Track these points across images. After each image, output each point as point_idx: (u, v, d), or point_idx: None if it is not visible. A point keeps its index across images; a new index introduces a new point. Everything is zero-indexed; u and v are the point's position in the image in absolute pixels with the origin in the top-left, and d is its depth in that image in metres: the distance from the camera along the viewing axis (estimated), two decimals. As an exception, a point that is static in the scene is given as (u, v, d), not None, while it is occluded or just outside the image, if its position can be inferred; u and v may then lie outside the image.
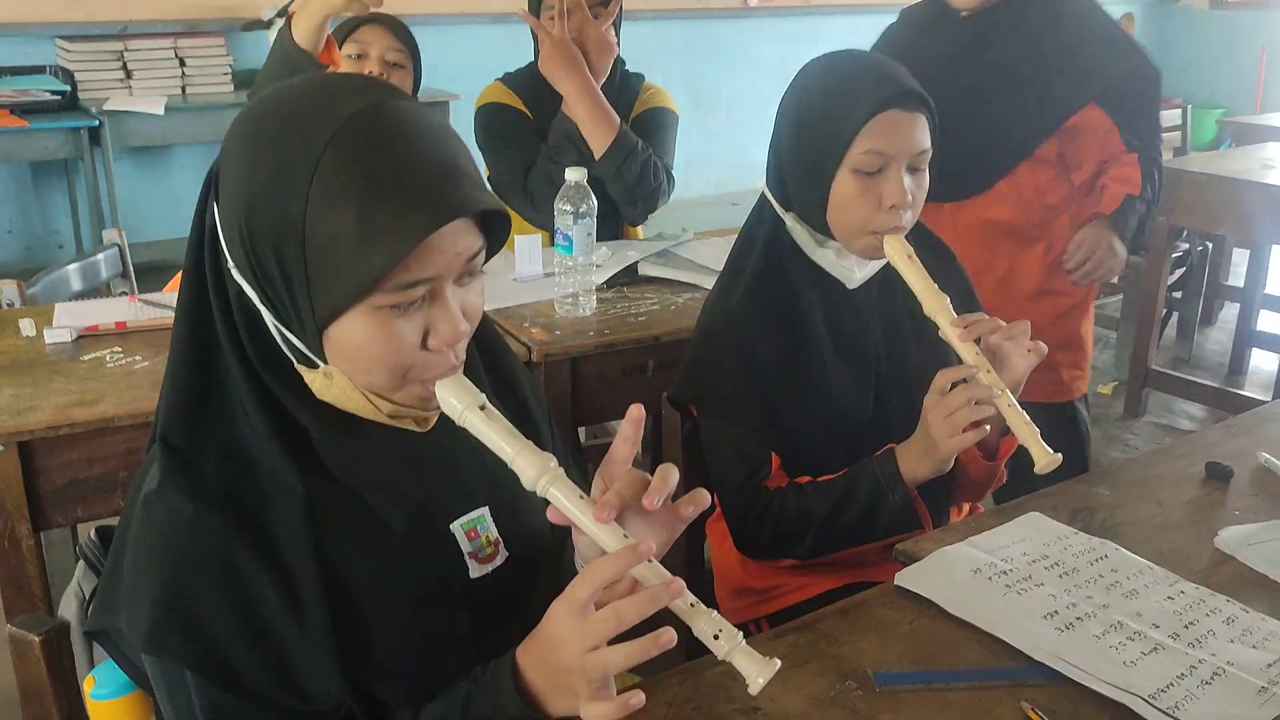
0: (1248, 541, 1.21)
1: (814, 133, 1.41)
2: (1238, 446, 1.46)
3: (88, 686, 1.05)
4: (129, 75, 4.41)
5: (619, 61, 2.37)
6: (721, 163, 6.78)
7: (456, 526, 1.02)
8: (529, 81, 2.35)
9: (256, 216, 0.86)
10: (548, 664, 0.89)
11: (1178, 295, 4.20)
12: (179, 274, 0.99)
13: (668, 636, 0.84)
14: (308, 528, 0.91)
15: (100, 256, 2.22)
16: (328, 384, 0.93)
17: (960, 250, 1.66)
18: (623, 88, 2.39)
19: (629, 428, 0.95)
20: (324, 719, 0.94)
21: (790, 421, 1.45)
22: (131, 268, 2.29)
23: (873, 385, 1.49)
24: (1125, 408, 3.73)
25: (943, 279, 1.43)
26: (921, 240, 1.50)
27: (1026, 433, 1.27)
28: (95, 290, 2.19)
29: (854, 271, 1.46)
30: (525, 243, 2.13)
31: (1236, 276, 4.44)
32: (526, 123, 2.32)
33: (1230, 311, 4.43)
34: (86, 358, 1.71)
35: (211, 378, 0.93)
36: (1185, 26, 8.75)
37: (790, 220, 1.48)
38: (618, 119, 2.26)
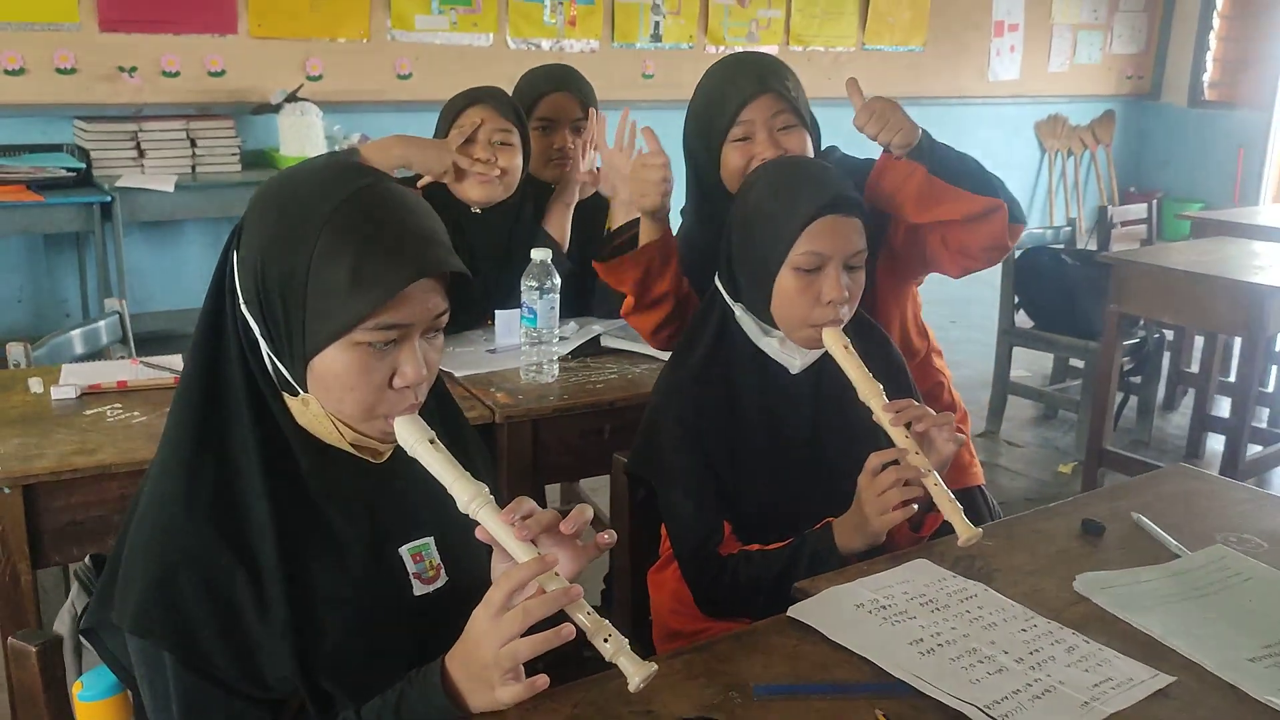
0: (1102, 585, 1.37)
1: (759, 234, 1.59)
2: (1119, 507, 1.62)
3: (76, 690, 1.21)
4: (142, 154, 4.65)
5: None
6: (710, 246, 7.01)
7: (404, 550, 1.20)
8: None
9: (269, 264, 1.08)
10: (469, 661, 1.06)
11: (1137, 380, 4.38)
12: None
13: (567, 630, 1.02)
14: (278, 538, 1.08)
15: (101, 323, 2.40)
16: (304, 409, 1.12)
17: None
18: (596, 200, 2.59)
19: (571, 521, 1.12)
20: (279, 706, 1.10)
21: (736, 492, 1.61)
22: (130, 334, 2.47)
23: (805, 463, 1.64)
24: (1082, 486, 3.89)
25: (881, 366, 1.61)
26: (863, 331, 1.68)
27: (950, 509, 1.42)
28: (96, 354, 2.37)
29: (795, 359, 1.63)
30: (504, 316, 2.32)
31: (1198, 363, 4.62)
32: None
33: (1192, 397, 4.60)
34: (89, 413, 1.89)
35: (214, 397, 1.11)
36: (1165, 123, 9.06)
37: (739, 311, 1.65)
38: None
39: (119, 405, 1.92)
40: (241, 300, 1.11)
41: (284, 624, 1.08)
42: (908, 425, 1.48)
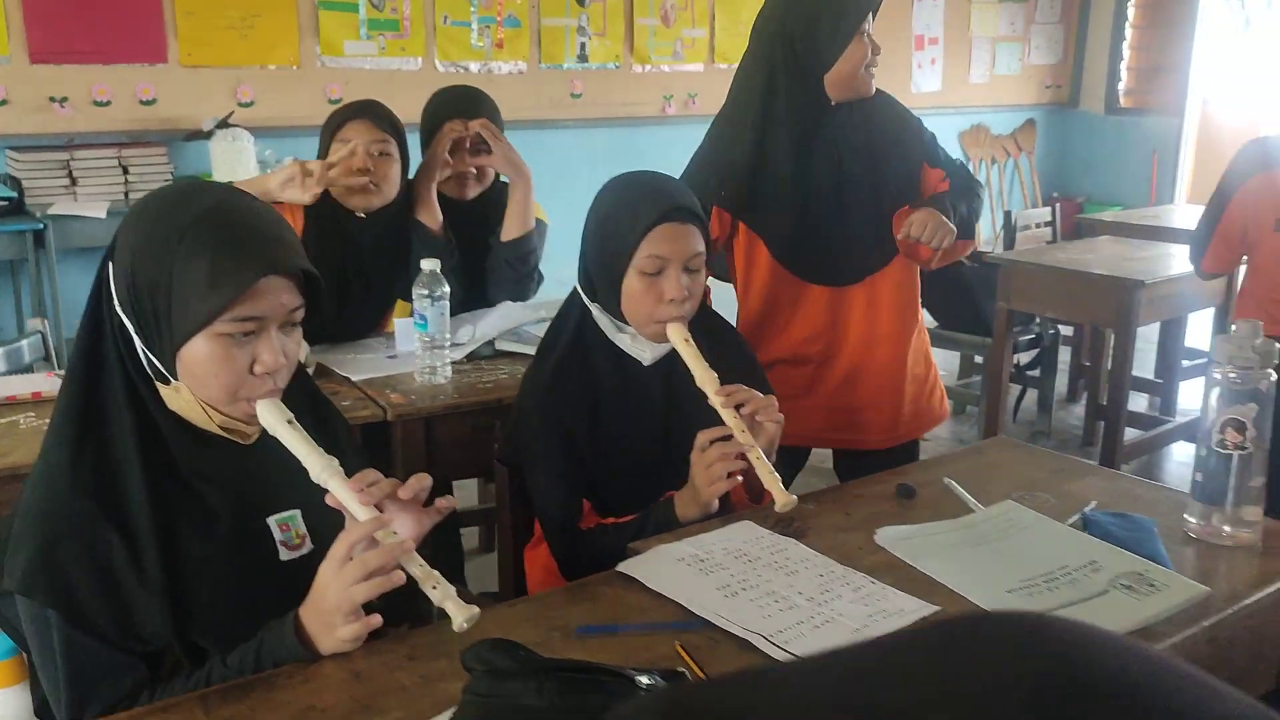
0: (899, 538, 1.56)
1: (607, 241, 1.78)
2: (937, 473, 1.82)
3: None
4: (74, 182, 4.77)
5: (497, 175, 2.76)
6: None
7: (272, 521, 1.36)
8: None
9: (139, 270, 1.26)
10: (316, 609, 1.23)
11: (1035, 374, 4.61)
12: None
13: (398, 576, 1.20)
14: (152, 510, 1.25)
15: (24, 342, 2.55)
16: (175, 396, 1.29)
17: (867, 319, 2.24)
18: (500, 194, 2.77)
19: (409, 488, 1.31)
20: (155, 658, 1.26)
21: (595, 474, 1.79)
22: (54, 352, 2.61)
23: (659, 445, 1.83)
24: (982, 474, 4.09)
25: (729, 357, 1.81)
26: (714, 329, 1.88)
27: (769, 480, 1.61)
28: (20, 371, 2.51)
29: (646, 353, 1.81)
30: (403, 325, 2.48)
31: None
32: None
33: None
34: (3, 421, 2.04)
35: (95, 385, 1.28)
36: (1084, 130, 9.39)
37: (596, 310, 1.83)
38: (533, 221, 2.67)
39: (32, 413, 2.07)
40: (117, 302, 1.28)
41: (158, 585, 1.24)
42: (738, 407, 1.66)
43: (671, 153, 7.53)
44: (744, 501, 1.74)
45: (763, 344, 2.24)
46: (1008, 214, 5.32)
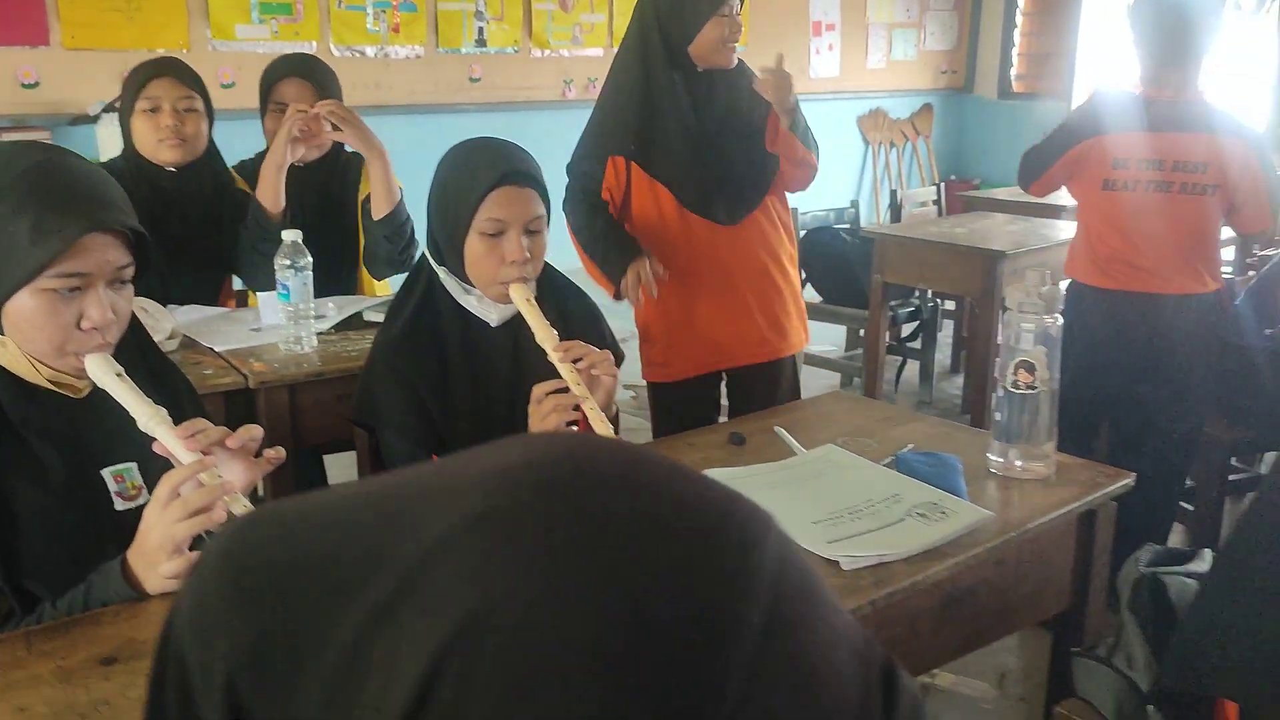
0: (723, 479, 1.65)
1: (448, 205, 1.84)
2: (771, 423, 1.92)
3: None
4: (-48, 167, 4.67)
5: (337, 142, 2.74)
6: (550, 241, 7.25)
7: (107, 472, 1.41)
8: (258, 169, 2.67)
9: None
10: (141, 550, 1.28)
11: (916, 345, 4.78)
12: None
13: (219, 514, 1.26)
14: None
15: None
16: (3, 350, 1.32)
17: (750, 251, 2.59)
18: (348, 165, 2.80)
19: (237, 438, 1.36)
20: None
21: (444, 433, 1.86)
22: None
23: (507, 403, 1.90)
24: (863, 442, 4.24)
25: (574, 317, 1.89)
26: (560, 288, 1.96)
27: (602, 430, 1.69)
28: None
29: (492, 314, 1.88)
30: (266, 297, 2.52)
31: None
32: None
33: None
34: None
35: None
36: (978, 114, 9.67)
37: (443, 273, 1.90)
38: (398, 193, 2.66)
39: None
40: None
41: None
42: (576, 362, 1.75)
43: (572, 137, 7.62)
44: None
45: (664, 284, 2.56)
46: (893, 193, 5.49)
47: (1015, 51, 9.44)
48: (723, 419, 2.78)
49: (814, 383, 4.95)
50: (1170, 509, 2.85)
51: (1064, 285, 2.73)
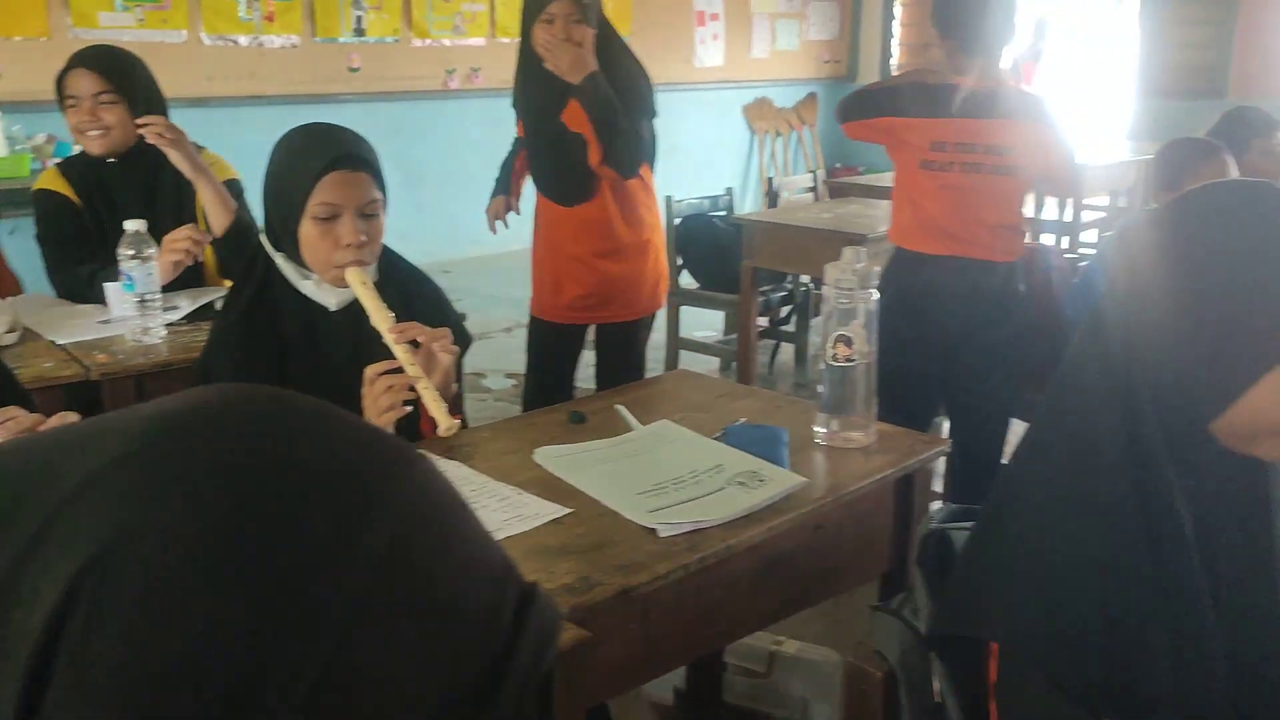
0: (555, 455, 1.70)
1: (281, 190, 1.84)
2: (612, 402, 1.97)
3: None
4: None
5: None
6: (433, 233, 7.21)
7: None
8: (82, 169, 2.62)
9: None
10: None
11: (791, 329, 4.89)
12: None
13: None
14: None
15: None
16: None
17: (582, 232, 2.93)
18: (147, 155, 2.62)
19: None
20: None
21: None
22: None
23: (349, 388, 1.90)
24: (738, 424, 4.33)
25: (417, 299, 1.91)
26: (405, 270, 1.97)
27: (435, 409, 1.71)
28: None
29: (331, 299, 1.89)
30: (112, 289, 2.48)
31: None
32: (74, 211, 2.60)
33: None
34: None
35: None
36: (861, 103, 9.91)
37: (280, 259, 1.90)
38: (233, 203, 2.60)
39: None
40: None
41: None
42: (414, 344, 1.77)
43: (458, 126, 7.59)
44: (429, 432, 1.85)
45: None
46: (769, 180, 5.60)
47: (895, 41, 9.68)
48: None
49: (693, 367, 5.03)
50: (992, 473, 3.00)
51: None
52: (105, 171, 2.61)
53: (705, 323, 5.24)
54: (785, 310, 4.86)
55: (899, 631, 1.29)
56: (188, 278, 2.63)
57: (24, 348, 2.25)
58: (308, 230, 1.82)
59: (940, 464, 2.45)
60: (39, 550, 0.44)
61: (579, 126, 2.81)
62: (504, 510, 1.52)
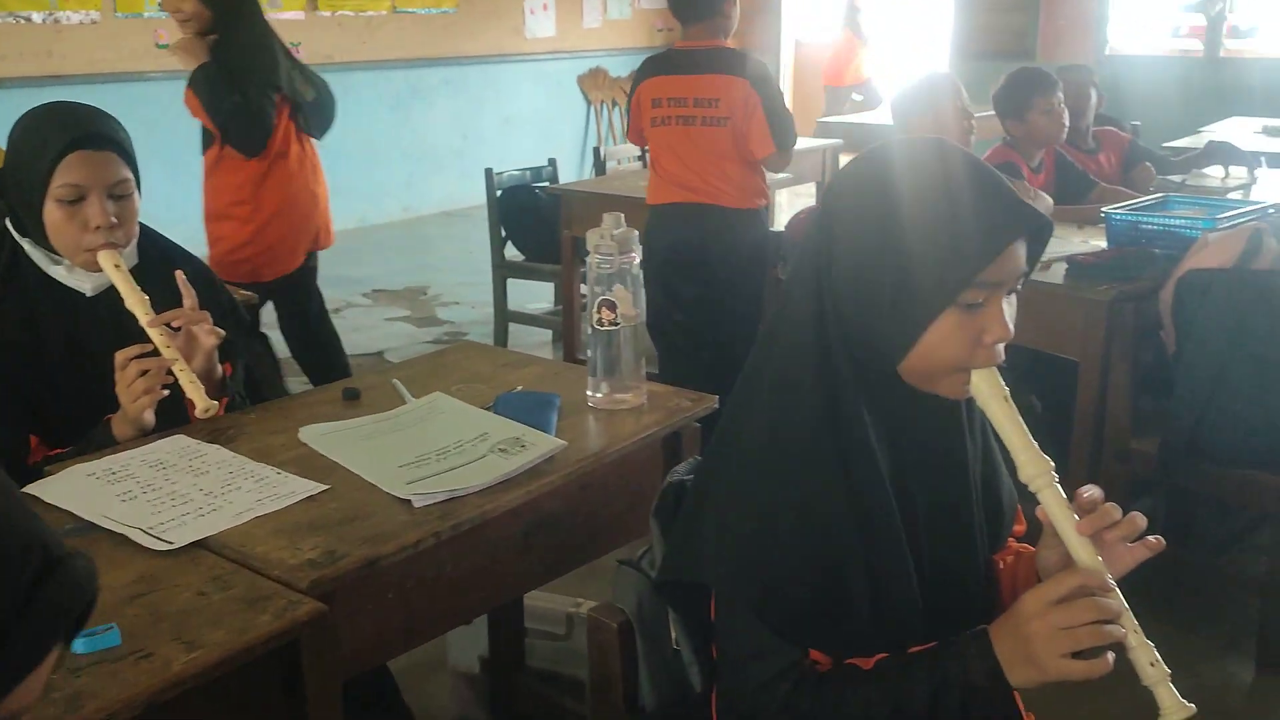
0: (321, 433, 1.69)
1: (21, 173, 1.75)
2: (391, 375, 1.96)
3: None
4: None
5: None
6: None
7: None
8: None
9: None
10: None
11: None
12: None
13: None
14: None
15: None
16: None
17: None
18: None
19: None
20: None
21: (49, 410, 1.79)
22: None
23: (108, 374, 1.84)
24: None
25: (202, 281, 1.85)
26: (167, 249, 1.91)
27: (192, 390, 1.65)
28: None
29: (86, 284, 1.82)
30: None
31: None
32: None
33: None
34: None
35: None
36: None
37: (28, 245, 1.82)
38: None
39: None
40: None
41: None
42: (176, 328, 1.73)
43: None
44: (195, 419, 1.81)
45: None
46: (596, 150, 5.62)
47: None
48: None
49: (526, 339, 5.04)
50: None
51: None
52: None
53: (531, 294, 5.23)
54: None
55: (637, 583, 1.33)
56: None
57: None
58: (52, 213, 1.75)
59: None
60: None
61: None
62: (259, 490, 1.50)
